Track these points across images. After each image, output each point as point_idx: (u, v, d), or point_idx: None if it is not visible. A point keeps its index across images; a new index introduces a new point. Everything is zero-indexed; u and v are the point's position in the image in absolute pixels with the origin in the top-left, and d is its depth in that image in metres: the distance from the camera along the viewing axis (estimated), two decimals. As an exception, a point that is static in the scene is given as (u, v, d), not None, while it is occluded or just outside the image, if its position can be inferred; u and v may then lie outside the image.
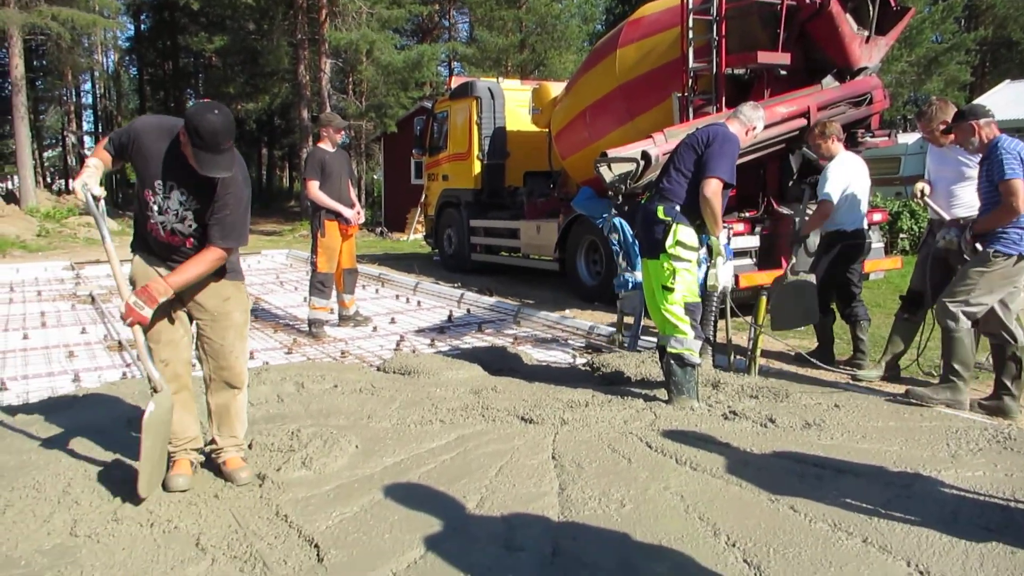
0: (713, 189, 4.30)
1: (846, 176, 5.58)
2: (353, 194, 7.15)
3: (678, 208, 4.39)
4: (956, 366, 4.55)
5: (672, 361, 4.47)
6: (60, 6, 24.42)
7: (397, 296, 9.81)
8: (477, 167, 12.16)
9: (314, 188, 6.82)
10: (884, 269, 8.15)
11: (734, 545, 2.83)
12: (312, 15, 24.88)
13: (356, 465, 3.63)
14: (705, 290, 4.77)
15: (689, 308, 4.45)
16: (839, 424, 4.18)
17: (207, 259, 3.25)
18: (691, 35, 7.48)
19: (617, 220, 6.05)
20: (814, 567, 2.67)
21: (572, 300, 9.60)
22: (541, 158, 11.60)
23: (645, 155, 6.09)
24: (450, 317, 7.96)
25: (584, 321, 7.50)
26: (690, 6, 7.38)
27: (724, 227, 4.73)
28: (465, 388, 4.97)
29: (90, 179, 3.23)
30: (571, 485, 3.37)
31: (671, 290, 4.42)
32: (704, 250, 4.60)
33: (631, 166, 6.12)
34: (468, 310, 8.47)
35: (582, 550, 2.82)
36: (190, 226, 3.28)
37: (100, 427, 4.18)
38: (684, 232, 4.39)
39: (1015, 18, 31.74)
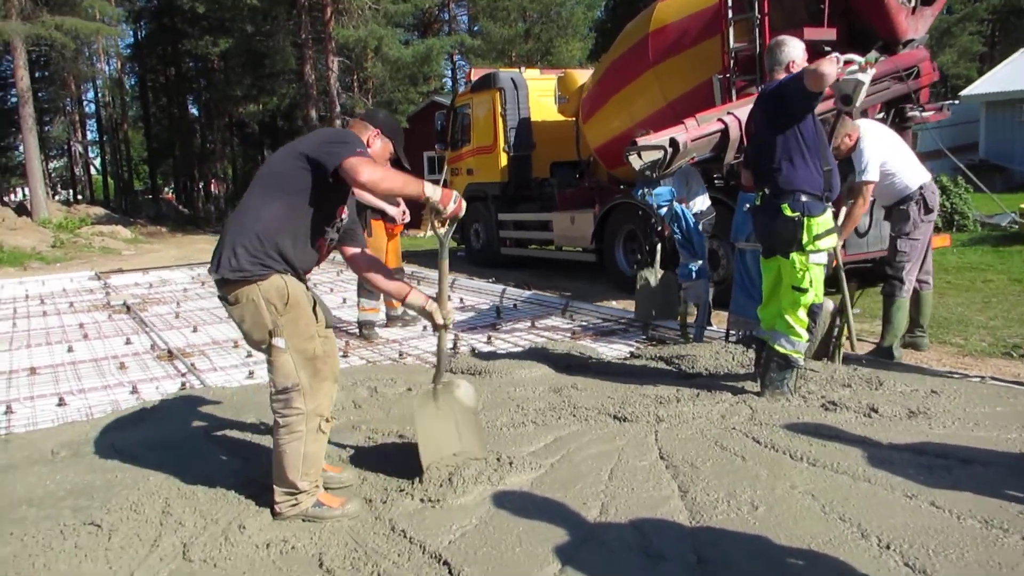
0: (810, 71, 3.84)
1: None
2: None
3: (804, 199, 4.08)
4: None
5: (776, 359, 4.30)
6: (61, 15, 24.27)
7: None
8: (503, 160, 12.00)
9: (358, 188, 6.66)
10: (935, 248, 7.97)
11: (889, 547, 2.67)
12: (316, 14, 24.67)
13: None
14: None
15: (812, 311, 4.26)
16: (945, 411, 4.01)
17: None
18: (731, 14, 7.31)
19: (679, 207, 5.88)
20: (984, 569, 2.52)
21: (611, 291, 9.46)
22: (568, 148, 11.44)
23: (673, 142, 5.92)
24: (499, 312, 7.81)
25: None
26: (730, -17, 7.20)
27: None
28: (544, 387, 4.82)
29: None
30: (692, 487, 3.22)
31: (803, 291, 4.17)
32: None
33: (660, 154, 5.96)
34: (515, 305, 8.31)
35: (727, 557, 2.67)
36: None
37: (176, 442, 4.07)
38: (819, 223, 4.10)
39: (1026, -16, 31.40)
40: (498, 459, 3.43)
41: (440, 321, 3.36)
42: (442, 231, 3.22)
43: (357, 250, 3.42)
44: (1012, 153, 20.67)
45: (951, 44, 26.76)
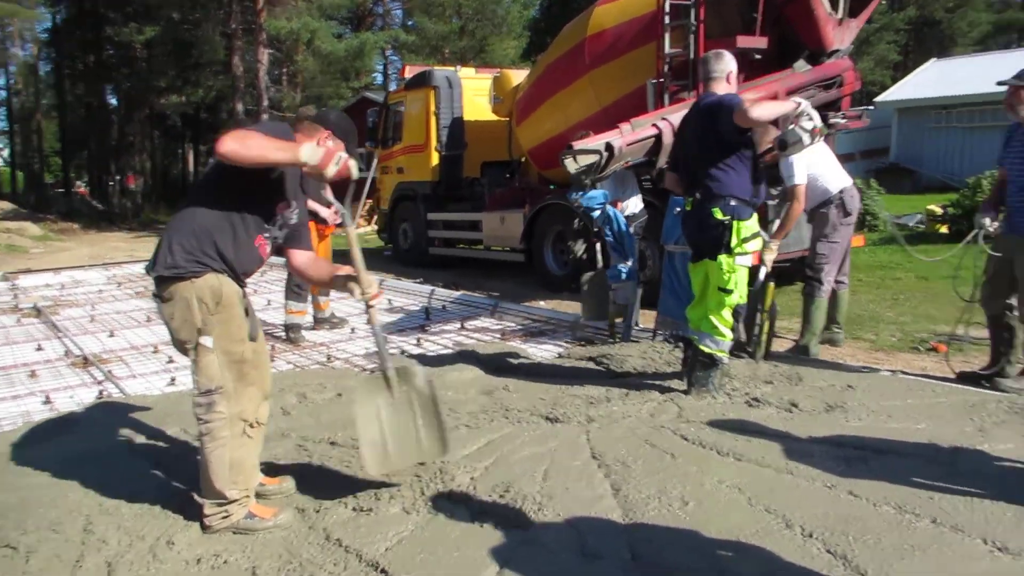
0: (743, 115, 3.92)
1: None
2: (329, 193, 6.88)
3: (733, 203, 4.22)
4: None
5: (702, 358, 4.42)
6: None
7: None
8: (435, 159, 11.96)
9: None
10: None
11: (811, 535, 2.79)
12: (247, 3, 24.04)
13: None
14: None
15: (737, 311, 4.40)
16: (860, 405, 4.20)
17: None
18: (667, 20, 7.44)
19: (611, 210, 5.97)
20: (898, 553, 2.65)
21: (539, 291, 9.54)
22: (500, 148, 11.47)
23: (609, 146, 6.03)
24: (427, 314, 7.78)
25: (568, 312, 7.43)
26: (666, -9, 7.33)
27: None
28: (475, 389, 4.84)
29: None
30: (625, 485, 3.29)
31: (729, 292, 4.31)
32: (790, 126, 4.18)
33: (595, 157, 6.06)
34: (444, 306, 8.30)
35: (661, 553, 2.74)
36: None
37: (95, 455, 3.90)
38: (747, 227, 4.25)
39: (938, -3, 32.97)
40: (433, 463, 3.42)
41: (358, 296, 3.16)
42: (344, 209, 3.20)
43: (303, 253, 3.33)
44: (921, 157, 21.67)
45: (869, 52, 27.89)
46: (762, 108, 3.99)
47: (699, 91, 7.10)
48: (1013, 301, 4.69)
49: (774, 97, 6.92)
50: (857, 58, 26.97)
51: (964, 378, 4.85)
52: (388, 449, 3.23)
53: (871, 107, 21.45)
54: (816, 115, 4.12)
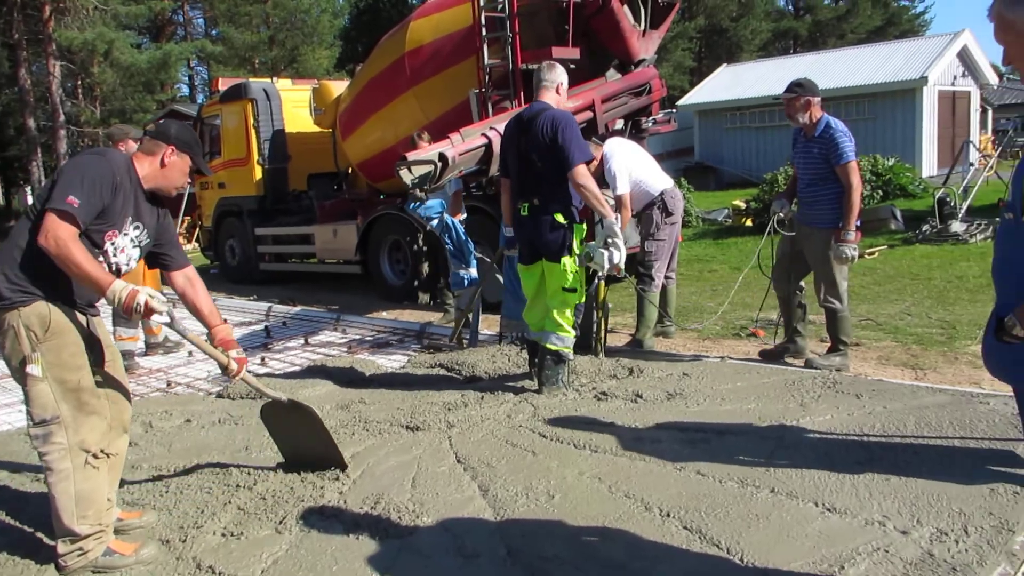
0: (583, 174, 4.38)
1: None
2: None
3: (572, 209, 4.49)
4: (844, 337, 5.13)
5: (549, 356, 4.62)
6: None
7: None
8: (258, 172, 11.59)
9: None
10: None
11: (669, 515, 3.03)
12: (31, 12, 22.08)
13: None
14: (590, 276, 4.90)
15: (577, 308, 4.62)
16: (697, 391, 4.56)
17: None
18: (484, 32, 7.65)
19: (450, 219, 6.09)
20: (746, 522, 2.93)
21: (378, 302, 9.51)
22: (325, 159, 11.29)
23: (442, 157, 6.17)
24: (268, 332, 7.57)
25: (412, 321, 7.47)
26: (481, 3, 7.54)
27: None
28: (330, 404, 4.80)
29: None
30: (492, 485, 3.41)
31: (573, 291, 4.53)
32: (599, 233, 4.63)
33: (430, 168, 6.18)
34: (284, 322, 8.09)
35: (534, 545, 2.88)
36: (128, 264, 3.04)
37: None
38: (582, 230, 4.54)
39: (723, 7, 35.78)
40: (302, 481, 3.39)
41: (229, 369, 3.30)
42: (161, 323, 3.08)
43: (178, 274, 3.25)
44: (721, 156, 23.46)
45: (667, 59, 29.84)
46: (590, 190, 4.39)
47: (521, 101, 7.42)
48: (802, 283, 5.26)
49: (591, 103, 7.33)
50: (658, 64, 28.89)
51: (765, 355, 5.39)
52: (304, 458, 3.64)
53: (675, 111, 23.01)
54: (623, 254, 4.50)
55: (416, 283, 9.09)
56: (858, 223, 4.91)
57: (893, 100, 20.16)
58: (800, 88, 5.00)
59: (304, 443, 3.67)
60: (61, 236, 2.66)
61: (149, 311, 2.78)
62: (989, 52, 22.68)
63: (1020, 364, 1.92)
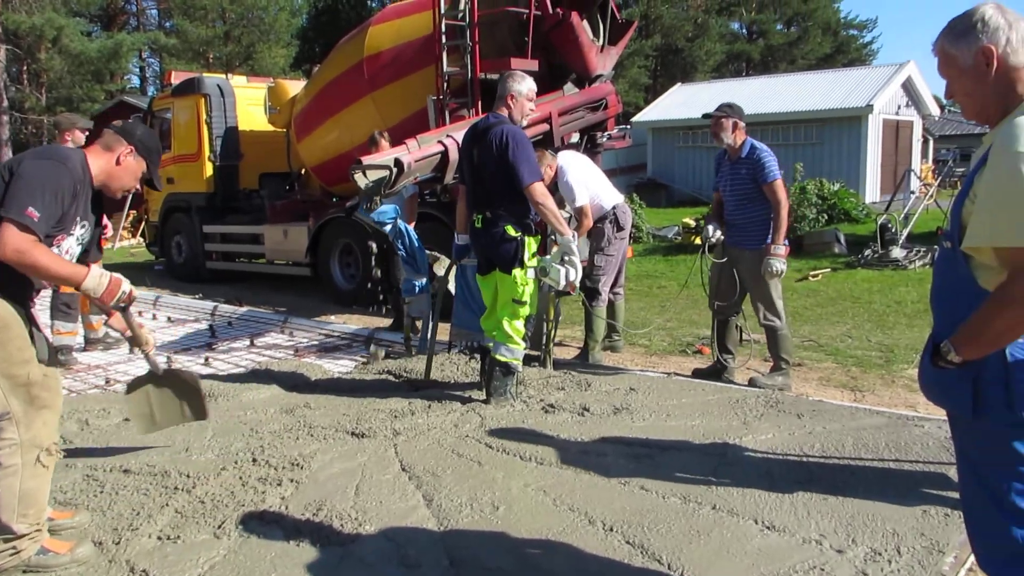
0: (542, 192, 4.44)
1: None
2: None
3: (525, 221, 4.51)
4: (786, 356, 5.21)
5: (498, 367, 4.62)
6: None
7: (140, 312, 8.90)
8: (209, 169, 11.40)
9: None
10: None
11: (612, 529, 3.05)
12: (-27, -7, 21.42)
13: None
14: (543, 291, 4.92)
15: (528, 320, 4.64)
16: (643, 406, 4.60)
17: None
18: (444, 39, 7.66)
19: (403, 225, 6.05)
20: (687, 538, 2.97)
21: (328, 305, 9.41)
22: (278, 159, 11.18)
23: (398, 162, 6.16)
24: (213, 332, 7.43)
25: (360, 326, 7.41)
26: (442, 10, 7.54)
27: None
28: (275, 408, 4.72)
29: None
30: (436, 495, 3.39)
31: (524, 303, 4.54)
32: (555, 250, 4.66)
33: (385, 173, 6.16)
34: (229, 323, 7.95)
35: (477, 556, 2.87)
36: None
37: None
38: (534, 243, 4.55)
39: (678, 27, 36.44)
40: (243, 485, 3.33)
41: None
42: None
43: (96, 268, 3.15)
44: (673, 173, 23.82)
45: (623, 76, 30.25)
46: (549, 208, 4.42)
47: (479, 110, 7.43)
48: (740, 307, 5.38)
49: (548, 116, 7.37)
50: (615, 82, 29.28)
51: (698, 374, 5.50)
52: (155, 417, 3.75)
53: (629, 127, 23.34)
54: (579, 272, 4.54)
55: (368, 287, 9.03)
56: (786, 241, 5.04)
57: (840, 126, 20.71)
58: (730, 109, 5.17)
59: (168, 405, 3.77)
60: (22, 247, 2.63)
61: (131, 299, 2.89)
62: (932, 84, 23.48)
63: (954, 389, 1.98)
